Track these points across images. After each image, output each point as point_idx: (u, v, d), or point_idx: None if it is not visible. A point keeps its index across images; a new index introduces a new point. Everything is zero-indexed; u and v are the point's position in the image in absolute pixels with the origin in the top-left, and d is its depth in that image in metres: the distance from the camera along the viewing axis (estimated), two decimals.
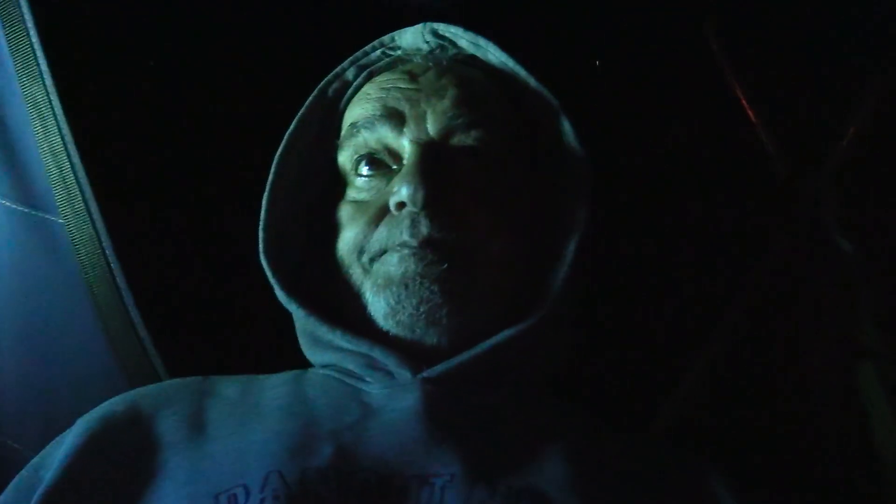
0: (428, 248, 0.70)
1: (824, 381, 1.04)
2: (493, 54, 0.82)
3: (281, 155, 0.81)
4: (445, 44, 0.83)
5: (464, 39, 0.83)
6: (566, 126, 0.79)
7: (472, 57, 0.83)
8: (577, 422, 0.77)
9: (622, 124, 1.11)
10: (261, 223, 0.78)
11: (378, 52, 0.85)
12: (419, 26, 0.83)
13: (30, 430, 0.92)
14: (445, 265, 0.70)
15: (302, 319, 0.77)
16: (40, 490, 0.65)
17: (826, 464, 1.00)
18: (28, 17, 0.89)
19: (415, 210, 0.70)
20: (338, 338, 0.73)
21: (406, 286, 0.70)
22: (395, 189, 0.72)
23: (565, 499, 0.63)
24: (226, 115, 1.03)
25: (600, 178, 0.79)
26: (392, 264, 0.71)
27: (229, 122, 1.03)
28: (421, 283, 0.70)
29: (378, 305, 0.72)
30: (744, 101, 1.09)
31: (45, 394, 0.93)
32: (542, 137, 0.82)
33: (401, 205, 0.71)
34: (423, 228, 0.71)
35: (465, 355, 0.70)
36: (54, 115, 0.89)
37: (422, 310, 0.70)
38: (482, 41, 0.82)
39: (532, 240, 0.77)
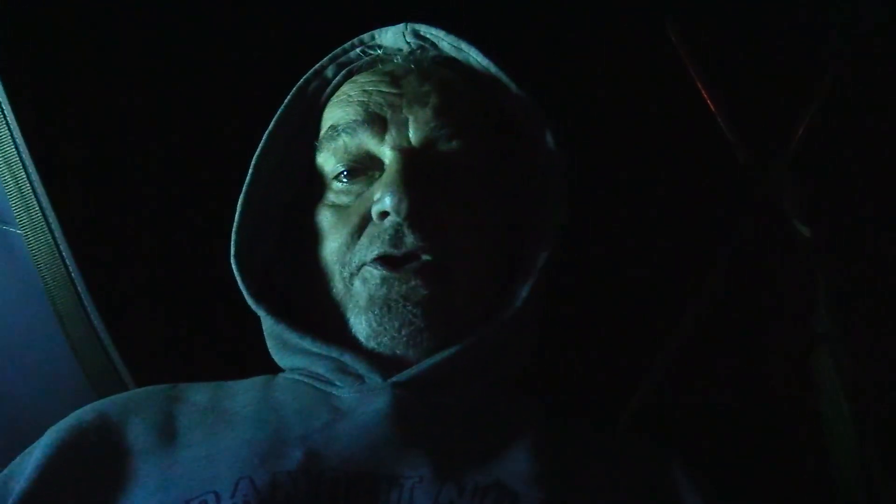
0: (411, 272, 0.70)
1: (782, 365, 1.06)
2: (474, 58, 0.81)
3: (259, 155, 0.79)
4: (426, 45, 0.82)
5: (445, 42, 0.81)
6: (548, 135, 0.79)
7: (453, 59, 0.82)
8: (542, 418, 0.77)
9: (586, 117, 1.11)
10: (234, 226, 0.77)
11: (358, 51, 0.83)
12: (400, 26, 0.82)
13: None
14: (428, 291, 0.70)
15: (271, 325, 0.76)
16: (10, 501, 0.65)
17: (781, 444, 1.03)
18: None
19: (398, 220, 0.70)
20: (308, 343, 0.73)
21: (389, 308, 0.70)
22: (376, 197, 0.71)
23: (531, 493, 0.64)
24: (190, 115, 1.02)
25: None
26: (373, 286, 0.71)
27: (193, 123, 1.02)
28: (404, 307, 0.69)
29: (360, 327, 0.71)
30: (704, 93, 1.10)
31: (9, 405, 0.92)
32: (521, 143, 0.81)
33: (383, 214, 0.71)
34: (407, 239, 0.70)
35: (434, 358, 0.70)
36: (7, 124, 0.88)
37: (403, 332, 0.70)
38: (464, 45, 0.81)
39: (504, 245, 0.78)
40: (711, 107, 1.10)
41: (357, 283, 0.72)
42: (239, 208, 0.77)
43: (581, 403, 1.04)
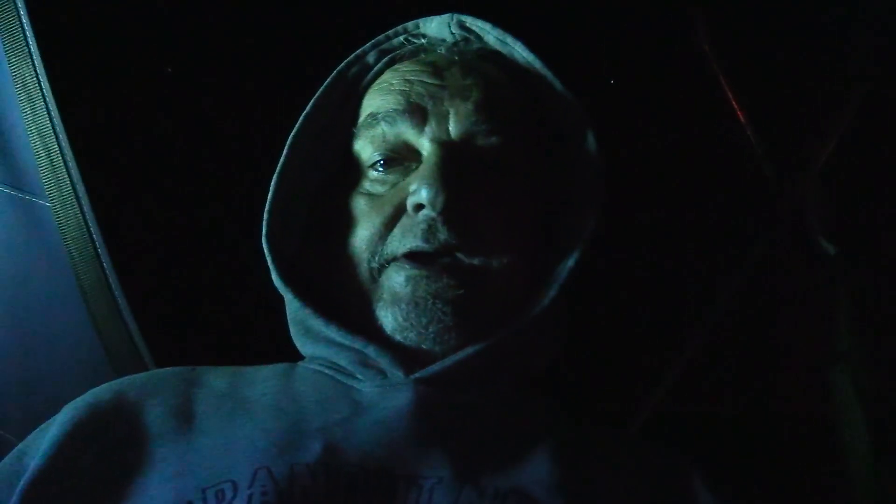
0: (441, 269, 0.69)
1: (800, 381, 1.06)
2: (519, 53, 0.80)
3: (295, 136, 0.78)
4: (471, 37, 0.81)
5: (491, 35, 0.80)
6: (590, 137, 0.77)
7: (497, 53, 0.81)
8: (563, 422, 0.76)
9: (614, 124, 1.11)
10: (267, 206, 0.76)
11: (401, 38, 0.82)
12: (446, 16, 0.81)
13: (12, 416, 0.91)
14: (462, 291, 0.69)
15: (296, 309, 0.75)
16: (25, 478, 0.64)
17: (799, 461, 1.02)
18: None
19: (432, 214, 0.69)
20: (332, 332, 0.72)
21: (416, 304, 0.68)
22: (412, 189, 0.70)
23: (551, 499, 0.63)
24: (226, 94, 1.02)
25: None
26: (397, 283, 0.70)
27: (229, 102, 1.02)
28: (434, 304, 0.68)
29: (386, 320, 0.70)
30: (734, 103, 1.11)
31: (29, 379, 0.92)
32: (562, 143, 0.80)
33: (418, 207, 0.70)
34: (441, 235, 0.69)
35: (458, 355, 0.69)
36: (43, 96, 0.88)
37: (431, 329, 0.68)
38: (510, 39, 0.80)
39: (537, 245, 0.77)
40: (741, 117, 1.10)
41: (383, 277, 0.71)
42: (272, 188, 0.76)
43: (595, 408, 1.05)
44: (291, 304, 0.75)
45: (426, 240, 0.69)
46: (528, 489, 0.64)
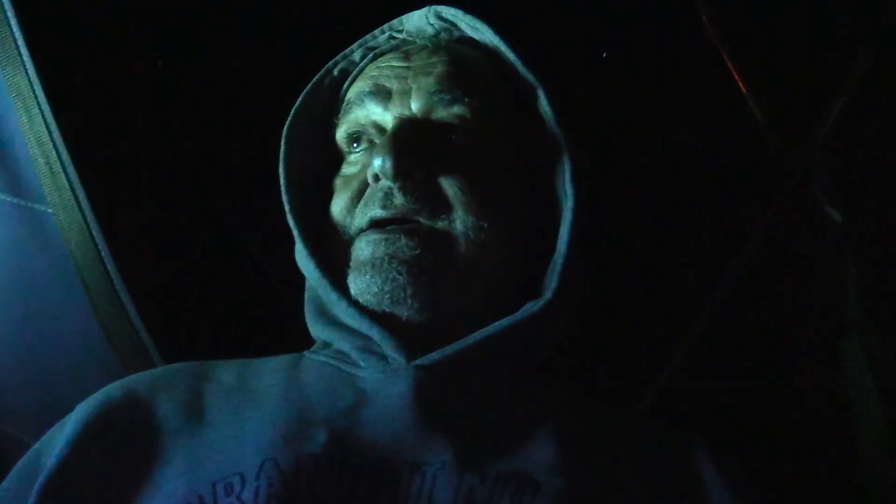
0: (399, 231, 0.71)
1: (810, 352, 1.04)
2: (488, 37, 0.82)
3: (288, 127, 0.81)
4: (448, 26, 0.83)
5: (463, 22, 0.83)
6: (547, 107, 0.78)
7: (473, 40, 0.84)
8: (567, 403, 0.76)
9: (615, 101, 1.10)
10: (282, 184, 0.79)
11: (385, 35, 0.86)
12: (424, 9, 0.84)
13: (27, 417, 0.93)
14: (418, 251, 0.70)
15: (316, 280, 0.76)
16: (42, 477, 0.66)
17: (808, 433, 1.01)
18: (7, 4, 0.88)
19: (388, 183, 0.71)
20: (342, 310, 0.73)
21: (373, 265, 0.71)
22: (371, 162, 0.73)
23: (552, 481, 0.64)
24: (220, 96, 1.03)
25: (594, 157, 0.79)
26: (362, 249, 0.72)
27: (222, 103, 1.03)
28: (388, 264, 0.70)
29: (354, 286, 0.73)
30: (735, 75, 1.08)
31: (41, 381, 0.94)
32: (534, 122, 0.80)
33: (376, 177, 0.72)
34: (397, 200, 0.71)
35: (460, 343, 0.70)
36: (38, 105, 0.89)
37: (386, 288, 0.70)
38: (479, 24, 0.82)
39: (526, 225, 0.77)
40: (743, 89, 1.08)
41: (353, 248, 0.74)
42: (281, 171, 0.79)
43: (605, 387, 1.04)
44: (312, 276, 0.77)
45: (383, 206, 0.72)
46: (531, 471, 0.64)
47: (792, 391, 1.06)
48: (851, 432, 1.01)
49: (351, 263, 0.74)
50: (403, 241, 0.71)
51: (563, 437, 0.68)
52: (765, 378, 1.07)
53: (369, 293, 0.71)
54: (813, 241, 1.06)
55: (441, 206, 0.72)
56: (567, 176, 0.76)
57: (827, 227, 1.04)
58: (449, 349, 0.70)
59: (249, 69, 1.04)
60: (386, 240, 0.71)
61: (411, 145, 0.72)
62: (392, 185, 0.71)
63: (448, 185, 0.73)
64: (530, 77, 0.79)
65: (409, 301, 0.71)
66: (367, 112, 0.77)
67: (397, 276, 0.70)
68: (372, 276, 0.71)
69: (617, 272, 1.09)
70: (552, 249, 0.75)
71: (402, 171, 0.71)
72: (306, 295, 0.81)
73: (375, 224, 0.72)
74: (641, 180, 1.11)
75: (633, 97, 1.11)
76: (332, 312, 0.76)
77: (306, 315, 0.80)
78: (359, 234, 0.74)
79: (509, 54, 0.80)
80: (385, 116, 0.76)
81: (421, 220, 0.72)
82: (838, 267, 1.03)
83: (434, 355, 0.70)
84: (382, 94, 0.77)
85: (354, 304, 0.73)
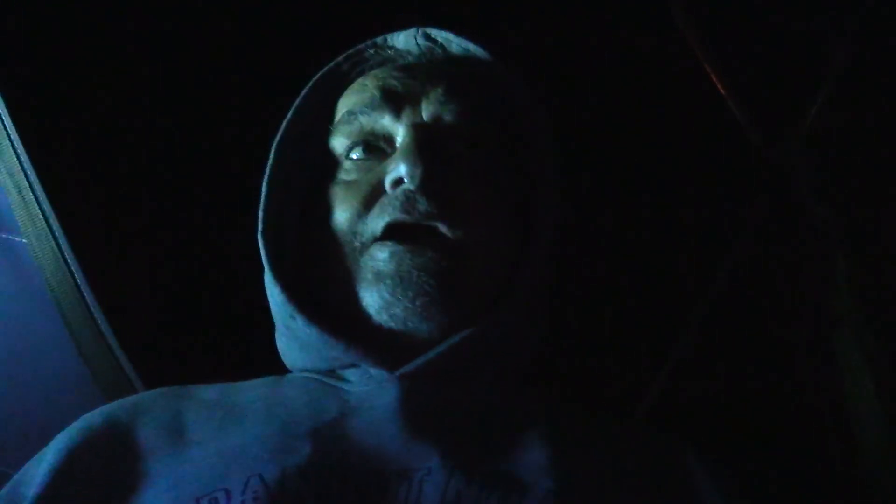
0: (427, 245, 0.70)
1: (805, 348, 1.03)
2: (481, 59, 0.83)
3: (279, 142, 0.80)
4: (436, 47, 0.84)
5: (454, 44, 0.84)
6: (536, 124, 0.80)
7: (462, 58, 0.84)
8: (552, 408, 0.76)
9: (592, 102, 1.10)
10: (261, 206, 0.77)
11: (371, 52, 0.85)
12: (412, 30, 0.84)
13: (7, 448, 0.93)
14: (446, 264, 0.69)
15: (281, 305, 0.74)
16: None
17: (804, 427, 1.00)
18: None
19: (410, 188, 0.70)
20: (314, 335, 0.72)
21: (401, 279, 0.68)
22: (390, 168, 0.72)
23: (539, 481, 0.63)
24: (195, 118, 1.03)
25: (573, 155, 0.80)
26: (382, 260, 0.70)
27: (198, 126, 1.03)
28: (419, 276, 0.68)
29: (371, 299, 0.70)
30: (712, 74, 1.08)
31: (20, 410, 0.93)
32: (524, 140, 0.82)
33: (396, 182, 0.71)
34: (420, 206, 0.70)
35: (439, 348, 0.69)
36: (7, 135, 0.89)
37: (418, 303, 0.68)
38: (471, 46, 0.83)
39: (512, 230, 0.77)
40: (721, 88, 1.07)
41: (365, 258, 0.71)
42: (263, 192, 0.78)
43: (597, 392, 1.03)
44: (277, 301, 0.75)
45: (405, 211, 0.70)
46: (518, 473, 0.63)
47: (790, 389, 1.05)
48: (849, 428, 0.99)
49: (366, 276, 0.71)
50: (430, 254, 0.69)
51: (551, 440, 0.67)
52: (761, 377, 1.05)
53: (398, 306, 0.69)
54: (799, 237, 1.05)
55: (459, 214, 0.71)
56: (549, 193, 0.77)
57: (813, 221, 1.03)
58: (431, 354, 0.69)
59: (229, 82, 1.04)
60: (412, 252, 0.69)
61: (433, 153, 0.71)
62: (414, 190, 0.70)
63: (464, 195, 0.73)
64: (522, 96, 0.81)
65: (437, 318, 0.69)
66: (374, 121, 0.76)
67: (430, 290, 0.68)
68: (404, 290, 0.68)
69: (603, 276, 1.08)
70: (526, 246, 0.76)
71: (430, 177, 0.70)
72: (275, 317, 0.79)
73: (393, 229, 0.70)
74: (623, 183, 1.10)
75: (609, 99, 1.11)
76: (304, 338, 0.74)
77: (278, 343, 0.79)
78: (373, 241, 0.72)
79: (507, 77, 0.81)
80: (397, 126, 0.75)
81: (442, 228, 0.71)
82: (826, 262, 1.01)
83: (418, 362, 0.69)
84: (391, 103, 0.76)
85: (328, 324, 0.71)
